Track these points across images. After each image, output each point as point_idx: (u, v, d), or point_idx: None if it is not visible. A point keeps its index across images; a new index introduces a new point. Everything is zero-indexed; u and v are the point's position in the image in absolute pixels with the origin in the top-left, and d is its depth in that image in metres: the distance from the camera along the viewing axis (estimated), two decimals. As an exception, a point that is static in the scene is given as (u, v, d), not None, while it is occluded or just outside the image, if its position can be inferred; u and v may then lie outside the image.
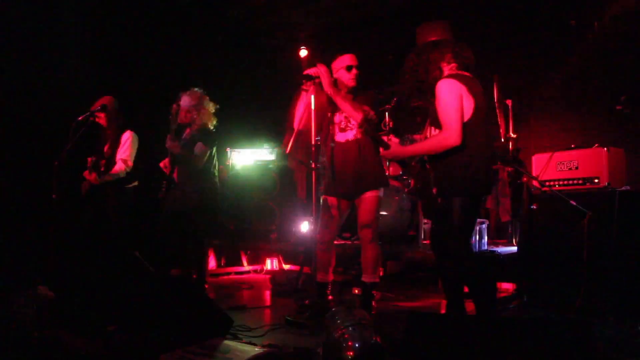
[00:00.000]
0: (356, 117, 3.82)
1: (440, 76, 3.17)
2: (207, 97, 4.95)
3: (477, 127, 3.05)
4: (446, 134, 3.00)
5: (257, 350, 2.76)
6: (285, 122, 7.64)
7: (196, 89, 4.92)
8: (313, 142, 3.85)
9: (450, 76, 3.11)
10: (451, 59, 3.20)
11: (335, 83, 3.94)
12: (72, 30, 5.59)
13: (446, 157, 3.06)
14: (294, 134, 3.87)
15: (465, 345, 2.10)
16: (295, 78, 3.99)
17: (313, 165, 3.80)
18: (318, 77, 3.90)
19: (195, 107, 4.84)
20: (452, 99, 3.01)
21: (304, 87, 3.95)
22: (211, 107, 4.94)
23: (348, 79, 3.99)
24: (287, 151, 3.70)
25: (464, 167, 3.04)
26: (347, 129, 4.03)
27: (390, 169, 5.94)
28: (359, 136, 3.99)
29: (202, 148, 4.81)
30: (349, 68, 3.98)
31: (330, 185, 4.05)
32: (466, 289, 3.78)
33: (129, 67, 6.20)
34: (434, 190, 3.22)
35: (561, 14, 5.78)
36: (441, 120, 3.05)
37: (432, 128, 3.24)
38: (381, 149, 3.41)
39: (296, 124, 3.96)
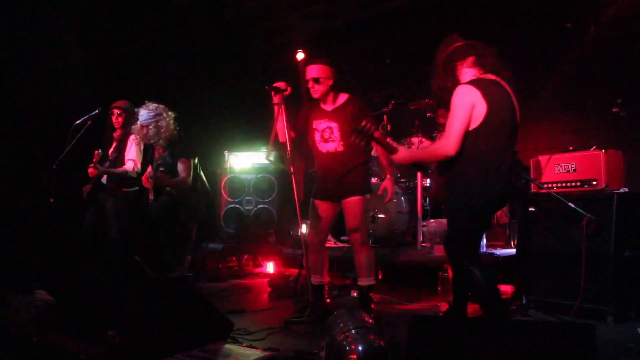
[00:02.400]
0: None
1: (459, 81, 3.16)
2: (165, 107, 4.81)
3: (488, 135, 2.99)
4: (443, 142, 3.03)
5: (258, 353, 2.75)
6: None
7: (151, 102, 4.78)
8: (289, 150, 3.86)
9: (469, 82, 3.08)
10: (473, 63, 3.17)
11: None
12: (68, 32, 5.58)
13: (455, 165, 3.05)
14: (271, 139, 3.83)
15: (469, 348, 2.10)
16: (294, 80, 3.97)
17: (292, 169, 3.80)
18: (286, 90, 3.87)
19: (154, 118, 4.70)
20: (459, 108, 2.99)
21: (273, 100, 3.90)
22: (171, 116, 4.80)
23: (312, 92, 3.97)
24: (268, 160, 3.70)
25: (472, 178, 3.01)
26: (330, 140, 4.01)
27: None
28: (339, 149, 3.98)
29: (186, 163, 4.75)
30: (307, 82, 3.97)
31: (317, 189, 4.11)
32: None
33: (125, 71, 6.18)
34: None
35: (557, 17, 5.80)
36: (445, 128, 3.06)
37: None
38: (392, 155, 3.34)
39: (279, 137, 3.93)
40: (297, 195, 3.80)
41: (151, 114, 4.69)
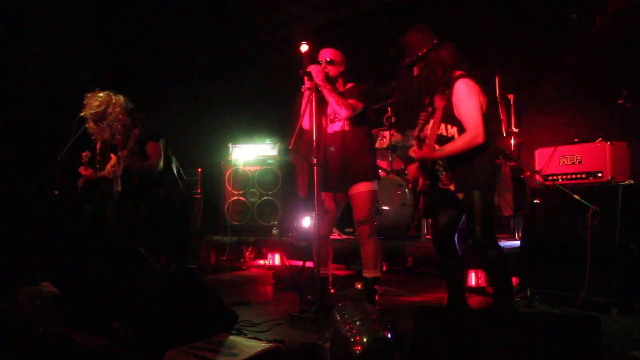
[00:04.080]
0: (339, 111, 3.88)
1: (452, 74, 3.27)
2: (108, 93, 4.45)
3: (488, 123, 3.24)
4: (474, 133, 3.15)
5: (263, 345, 2.75)
6: (286, 118, 7.69)
7: (92, 95, 4.39)
8: (314, 138, 3.86)
9: (467, 76, 3.24)
10: (456, 59, 3.30)
11: (327, 76, 3.96)
12: (72, 25, 5.57)
13: (467, 153, 3.20)
14: (296, 130, 3.87)
15: (474, 340, 2.10)
16: (297, 74, 3.98)
17: (314, 161, 3.80)
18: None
19: (101, 114, 4.34)
20: (476, 99, 3.18)
21: (305, 85, 3.95)
22: (118, 101, 4.43)
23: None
24: (290, 146, 3.69)
25: (485, 161, 3.23)
26: (336, 120, 4.06)
27: (393, 164, 5.95)
28: (345, 128, 4.01)
29: (155, 146, 4.47)
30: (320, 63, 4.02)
31: (322, 179, 4.06)
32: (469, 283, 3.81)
33: (129, 63, 6.18)
34: (452, 187, 3.33)
35: (563, 8, 5.76)
36: (467, 119, 3.19)
37: (445, 125, 3.31)
38: (413, 150, 3.44)
39: (304, 123, 3.97)
40: (317, 186, 3.81)
41: (95, 109, 4.30)
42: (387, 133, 5.88)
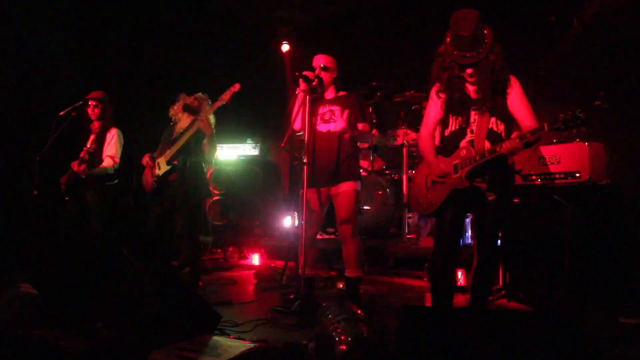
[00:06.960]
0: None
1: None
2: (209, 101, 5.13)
3: None
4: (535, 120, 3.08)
5: (246, 345, 2.75)
6: (268, 118, 7.68)
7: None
8: (306, 139, 3.88)
9: None
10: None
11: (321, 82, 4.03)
12: (52, 23, 5.50)
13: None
14: (289, 131, 3.91)
15: (457, 338, 2.12)
16: (279, 74, 4.00)
17: (305, 160, 3.81)
18: (314, 80, 3.95)
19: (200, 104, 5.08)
20: None
21: (299, 88, 3.97)
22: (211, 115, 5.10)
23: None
24: (282, 144, 3.71)
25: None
26: (331, 120, 4.09)
27: (375, 164, 5.98)
28: (339, 129, 4.03)
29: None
30: (314, 69, 4.07)
31: (308, 176, 4.06)
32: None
33: (111, 62, 6.12)
34: (484, 186, 3.12)
35: (542, 11, 5.84)
36: (530, 111, 3.16)
37: (496, 120, 3.14)
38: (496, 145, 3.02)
39: (294, 124, 4.03)
40: (305, 184, 3.83)
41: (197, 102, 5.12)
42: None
